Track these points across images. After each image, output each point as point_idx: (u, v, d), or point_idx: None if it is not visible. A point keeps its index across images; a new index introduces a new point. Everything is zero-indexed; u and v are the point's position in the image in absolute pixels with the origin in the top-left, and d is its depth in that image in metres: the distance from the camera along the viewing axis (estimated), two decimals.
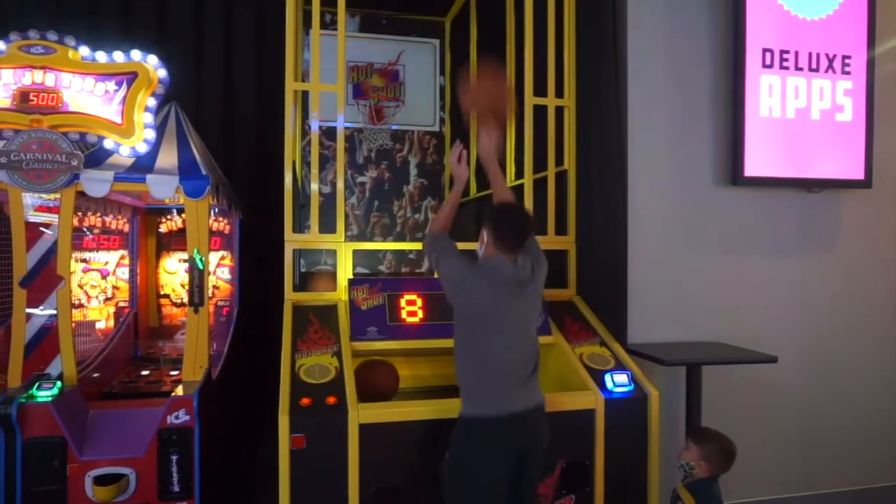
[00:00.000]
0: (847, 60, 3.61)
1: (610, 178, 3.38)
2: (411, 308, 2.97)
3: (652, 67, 3.49)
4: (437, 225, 2.62)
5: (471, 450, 2.26)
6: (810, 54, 3.56)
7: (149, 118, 2.89)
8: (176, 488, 2.66)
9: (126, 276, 4.25)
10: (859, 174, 3.66)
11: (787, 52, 3.53)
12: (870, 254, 3.86)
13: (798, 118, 3.56)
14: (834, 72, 3.60)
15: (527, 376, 2.32)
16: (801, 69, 3.56)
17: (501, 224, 2.37)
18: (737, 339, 3.45)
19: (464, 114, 2.59)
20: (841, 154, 3.63)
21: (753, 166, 3.49)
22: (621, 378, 2.82)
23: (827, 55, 3.58)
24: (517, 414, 2.26)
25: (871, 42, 3.64)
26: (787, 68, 3.54)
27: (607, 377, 2.82)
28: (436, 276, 2.45)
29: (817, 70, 3.58)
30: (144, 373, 3.81)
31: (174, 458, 2.66)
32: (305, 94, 4.35)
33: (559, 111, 3.51)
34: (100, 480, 2.58)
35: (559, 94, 3.50)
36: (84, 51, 2.83)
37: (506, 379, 2.28)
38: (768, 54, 3.51)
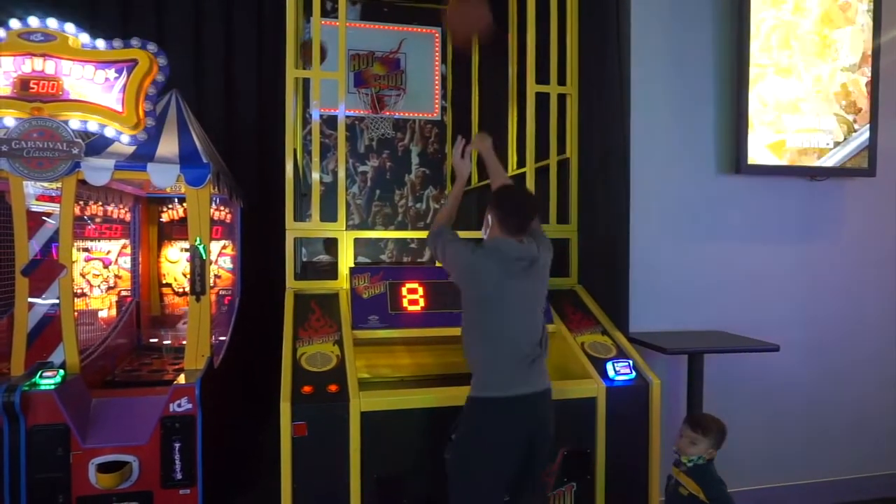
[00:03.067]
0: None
1: (612, 167, 3.36)
2: (413, 297, 2.97)
3: (655, 55, 3.46)
4: (439, 219, 2.62)
5: (478, 431, 2.25)
6: None
7: (149, 106, 2.88)
8: (178, 476, 2.68)
9: (128, 265, 4.26)
10: (863, 162, 3.64)
11: None
12: (873, 242, 3.84)
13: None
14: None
15: (535, 359, 2.31)
16: None
17: (505, 205, 2.37)
18: (739, 328, 3.45)
19: (456, 37, 2.55)
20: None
21: (757, 154, 3.47)
22: (623, 366, 2.82)
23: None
24: (525, 396, 2.25)
25: (877, 29, 3.61)
26: None
27: (609, 365, 2.82)
28: (438, 265, 2.45)
29: None
30: (147, 361, 3.82)
31: (177, 445, 2.67)
32: (306, 82, 4.33)
33: (561, 99, 3.49)
34: (103, 468, 2.60)
35: (561, 81, 3.48)
36: (84, 38, 2.81)
37: (515, 360, 2.28)
38: None
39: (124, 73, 2.84)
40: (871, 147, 3.63)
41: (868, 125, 3.61)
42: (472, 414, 2.29)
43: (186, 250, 3.90)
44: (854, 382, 3.80)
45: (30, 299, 2.79)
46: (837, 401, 3.77)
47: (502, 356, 2.28)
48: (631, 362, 2.86)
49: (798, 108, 3.53)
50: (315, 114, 3.20)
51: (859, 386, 3.81)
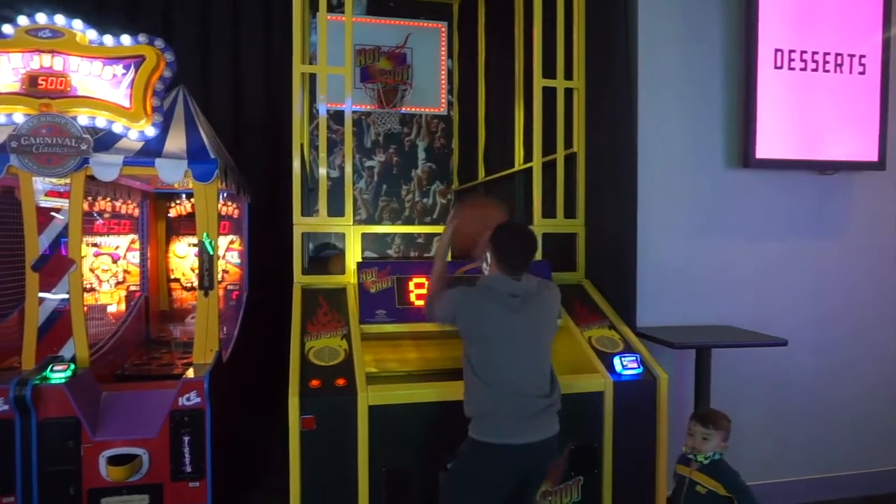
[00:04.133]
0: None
1: (619, 161, 3.35)
2: (420, 291, 2.98)
3: (663, 49, 3.44)
4: (430, 288, 2.50)
5: (473, 470, 2.23)
6: None
7: (157, 102, 2.89)
8: (188, 468, 2.70)
9: (136, 260, 4.29)
10: (873, 156, 3.61)
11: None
12: (883, 236, 3.81)
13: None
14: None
15: (539, 405, 2.22)
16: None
17: (504, 244, 2.29)
18: (747, 323, 3.43)
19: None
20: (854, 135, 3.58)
21: (765, 148, 3.45)
22: (630, 361, 2.81)
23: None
24: (524, 445, 2.18)
25: (887, 21, 3.57)
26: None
27: (616, 360, 2.82)
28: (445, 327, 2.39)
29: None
30: (156, 356, 3.85)
31: (186, 439, 2.69)
32: (313, 78, 4.33)
33: (568, 93, 3.48)
34: (113, 460, 2.63)
35: (568, 75, 3.46)
36: (91, 34, 2.82)
37: (514, 406, 2.20)
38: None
39: (132, 69, 2.85)
40: (882, 140, 3.60)
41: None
42: (469, 452, 2.24)
43: (194, 245, 3.93)
44: (862, 377, 3.78)
45: (40, 294, 2.81)
46: (845, 396, 3.75)
47: (500, 402, 2.20)
48: (638, 357, 2.85)
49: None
50: (322, 109, 3.20)
51: (867, 381, 3.79)
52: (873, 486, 3.78)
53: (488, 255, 2.34)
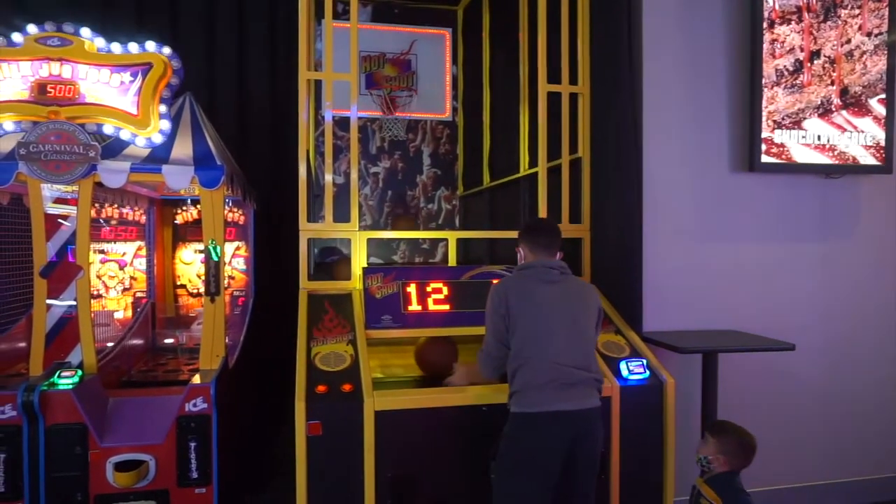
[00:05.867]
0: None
1: (625, 165, 3.35)
2: (426, 297, 2.98)
3: (667, 53, 3.45)
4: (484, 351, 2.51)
5: (517, 444, 2.27)
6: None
7: (164, 109, 2.91)
8: (194, 475, 2.70)
9: (143, 266, 4.30)
10: (879, 159, 3.60)
11: None
12: (890, 240, 3.80)
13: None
14: None
15: (576, 376, 2.27)
16: None
17: (532, 231, 2.47)
18: (754, 328, 3.42)
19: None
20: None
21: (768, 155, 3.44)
22: (636, 366, 2.81)
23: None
24: (561, 413, 2.22)
25: (893, 23, 3.57)
26: None
27: (622, 365, 2.81)
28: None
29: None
30: (162, 362, 3.85)
31: (192, 445, 2.69)
32: (319, 84, 4.35)
33: (573, 98, 3.48)
34: (120, 466, 2.63)
35: (573, 81, 3.47)
36: (99, 42, 2.84)
37: (549, 376, 2.24)
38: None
39: (139, 76, 2.86)
40: (888, 143, 3.59)
41: None
42: (510, 428, 2.30)
43: (200, 252, 3.94)
44: (870, 382, 3.76)
45: (48, 301, 2.82)
46: (853, 401, 3.73)
47: (538, 371, 2.25)
48: (645, 361, 2.85)
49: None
50: (327, 115, 3.22)
51: (876, 385, 3.76)
52: (883, 492, 3.74)
53: (519, 249, 2.49)
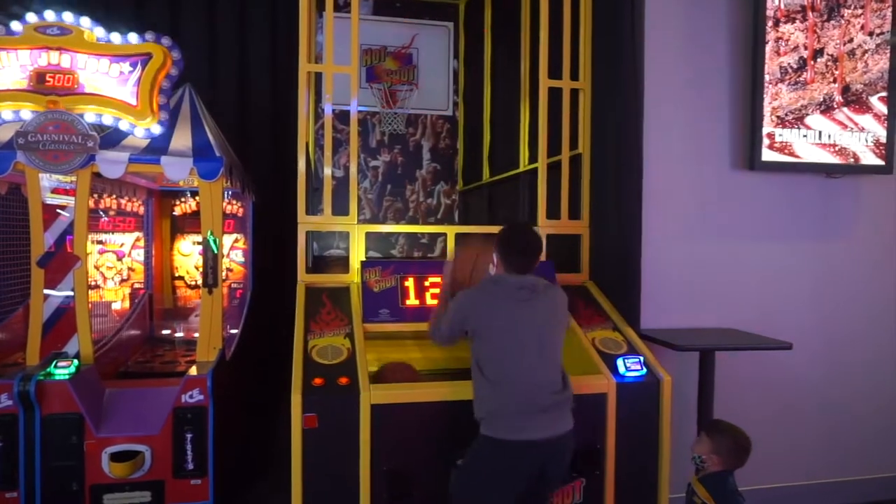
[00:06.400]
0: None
1: (625, 162, 3.34)
2: (423, 290, 2.97)
3: (669, 50, 3.44)
4: (437, 312, 2.54)
5: (484, 466, 2.23)
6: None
7: (163, 100, 2.90)
8: (190, 466, 2.70)
9: (141, 257, 4.30)
10: (880, 159, 3.59)
11: None
12: (890, 240, 3.80)
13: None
14: None
15: (550, 400, 2.23)
16: None
17: (509, 245, 2.36)
18: (751, 326, 3.42)
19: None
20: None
21: (771, 150, 3.44)
22: (633, 363, 2.80)
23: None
24: (534, 442, 2.18)
25: (894, 24, 3.56)
26: None
27: (619, 362, 2.81)
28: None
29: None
30: (159, 353, 3.86)
31: (188, 436, 2.70)
32: (319, 77, 4.34)
33: (574, 94, 3.47)
34: (116, 457, 2.63)
35: (574, 76, 3.46)
36: (99, 32, 2.83)
37: (523, 402, 2.20)
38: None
39: (139, 66, 2.85)
40: (889, 143, 3.58)
41: None
42: (480, 449, 2.25)
43: (199, 243, 3.93)
44: (868, 381, 3.76)
45: (45, 291, 2.82)
46: (851, 400, 3.73)
47: (511, 397, 2.20)
48: (641, 359, 2.84)
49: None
50: (327, 108, 3.21)
51: (873, 385, 3.77)
52: (881, 490, 3.75)
53: (494, 255, 2.40)
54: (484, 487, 2.22)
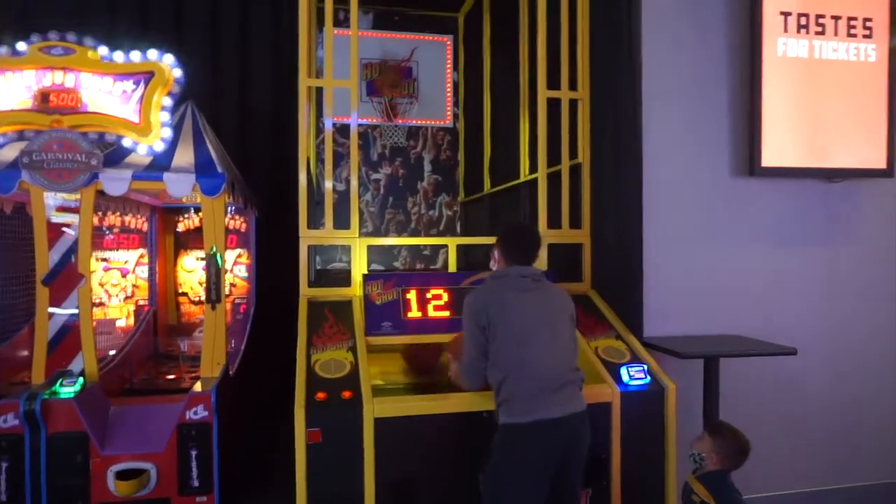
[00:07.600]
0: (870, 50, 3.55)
1: (625, 171, 3.36)
2: (426, 303, 2.98)
3: (667, 58, 3.46)
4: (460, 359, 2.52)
5: (508, 456, 2.26)
6: None
7: (165, 117, 2.92)
8: (195, 483, 2.69)
9: (145, 274, 4.31)
10: (881, 163, 3.59)
11: None
12: (892, 243, 3.79)
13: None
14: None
15: (560, 380, 2.29)
16: None
17: (510, 240, 2.45)
18: (755, 333, 3.41)
19: None
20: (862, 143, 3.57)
21: (771, 156, 3.44)
22: (637, 371, 2.80)
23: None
24: (553, 420, 2.23)
25: (893, 26, 3.57)
26: None
27: (623, 370, 2.80)
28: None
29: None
30: (163, 370, 3.86)
31: (193, 452, 2.69)
32: (319, 92, 4.37)
33: (573, 104, 3.49)
34: (121, 475, 2.63)
35: (573, 86, 3.47)
36: (102, 51, 2.86)
37: (535, 384, 2.26)
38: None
39: (141, 84, 2.88)
40: (890, 147, 3.58)
41: None
42: (501, 439, 2.30)
43: (202, 259, 3.94)
44: (872, 387, 3.74)
45: (50, 309, 2.83)
46: (856, 407, 3.71)
47: (523, 381, 2.26)
48: (645, 367, 2.84)
49: None
50: (328, 122, 3.23)
51: (878, 390, 3.75)
52: (884, 498, 3.72)
53: (495, 252, 2.48)
54: (512, 477, 2.23)
